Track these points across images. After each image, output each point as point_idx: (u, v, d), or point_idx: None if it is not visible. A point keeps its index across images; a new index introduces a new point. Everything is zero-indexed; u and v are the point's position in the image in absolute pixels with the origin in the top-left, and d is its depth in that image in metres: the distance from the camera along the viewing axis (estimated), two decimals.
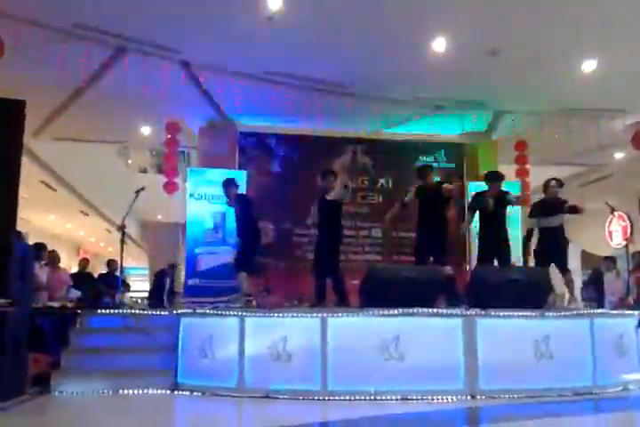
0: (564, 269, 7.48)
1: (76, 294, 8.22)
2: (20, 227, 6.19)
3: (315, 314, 5.62)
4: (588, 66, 8.25)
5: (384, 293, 5.87)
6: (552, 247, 7.45)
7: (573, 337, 5.78)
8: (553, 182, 7.65)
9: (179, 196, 10.15)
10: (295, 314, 5.70)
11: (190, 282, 9.14)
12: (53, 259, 8.32)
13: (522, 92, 9.23)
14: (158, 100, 8.85)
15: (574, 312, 6.16)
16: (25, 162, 11.37)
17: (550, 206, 7.54)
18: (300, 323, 5.62)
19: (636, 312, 6.45)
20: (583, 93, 9.04)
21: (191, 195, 9.43)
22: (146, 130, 10.71)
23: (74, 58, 7.50)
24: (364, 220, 10.26)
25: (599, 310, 6.80)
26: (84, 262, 10.57)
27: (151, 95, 8.44)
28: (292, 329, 5.59)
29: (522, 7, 6.91)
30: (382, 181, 10.73)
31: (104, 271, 10.34)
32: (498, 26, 7.34)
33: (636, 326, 6.24)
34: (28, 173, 12.62)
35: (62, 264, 9.24)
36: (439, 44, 7.71)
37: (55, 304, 7.10)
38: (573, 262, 11.61)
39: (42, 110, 9.48)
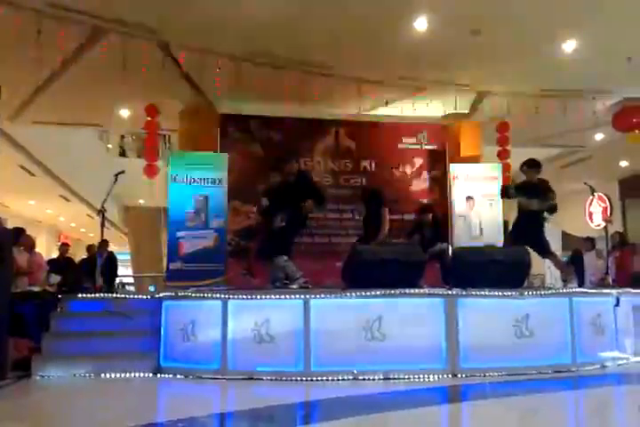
0: (547, 253, 7.45)
1: (55, 278, 8.16)
2: None
3: (297, 296, 5.63)
4: (570, 46, 8.25)
5: (366, 274, 5.90)
6: (529, 231, 7.34)
7: (553, 316, 5.86)
8: (525, 167, 7.51)
9: (160, 180, 10.07)
10: (278, 296, 5.71)
11: (173, 266, 9.09)
12: (30, 243, 8.23)
13: (504, 74, 9.22)
14: (138, 82, 8.72)
15: (553, 291, 6.24)
16: (2, 146, 11.26)
17: (531, 189, 7.42)
18: (283, 305, 5.63)
19: (615, 291, 6.54)
20: (565, 74, 9.06)
21: (172, 178, 9.34)
22: (125, 113, 10.56)
23: (50, 39, 7.34)
24: (347, 203, 10.25)
25: (578, 289, 6.88)
26: (64, 248, 10.48)
27: (131, 77, 8.32)
28: (275, 311, 5.60)
29: None
30: (365, 163, 10.71)
31: (84, 256, 10.26)
32: (480, 5, 7.30)
33: (614, 305, 6.33)
34: (6, 157, 12.48)
35: (43, 250, 9.15)
36: (421, 24, 7.66)
37: (36, 289, 7.05)
38: (554, 244, 11.74)
39: (18, 94, 9.31)
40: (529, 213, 7.35)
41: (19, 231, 7.62)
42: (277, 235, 7.09)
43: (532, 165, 7.47)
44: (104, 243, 9.52)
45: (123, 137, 13.51)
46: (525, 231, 7.33)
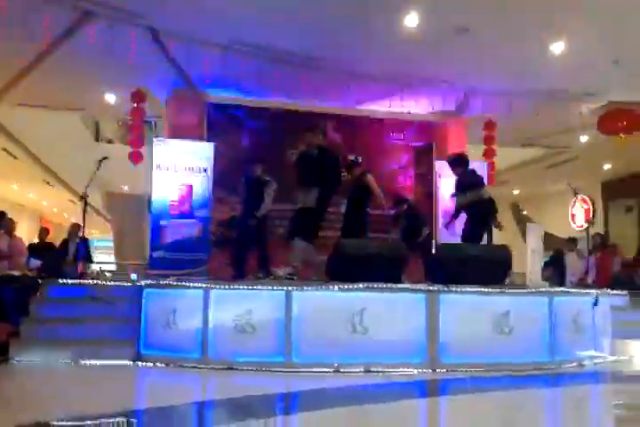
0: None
1: (35, 263, 8.07)
2: None
3: (280, 287, 5.62)
4: (557, 48, 8.30)
5: (350, 267, 5.91)
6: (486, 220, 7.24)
7: (533, 314, 5.90)
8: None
9: (145, 167, 9.98)
10: (261, 287, 5.69)
11: (155, 254, 9.04)
12: (11, 227, 8.13)
13: (492, 72, 9.25)
14: (124, 68, 8.63)
15: (534, 290, 6.30)
16: None
17: (479, 178, 7.34)
18: (266, 296, 5.62)
19: (594, 291, 6.62)
20: (552, 75, 9.11)
21: (157, 166, 9.27)
22: (111, 98, 10.44)
23: (37, 21, 7.23)
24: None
25: (558, 289, 6.96)
26: (44, 232, 10.36)
27: (117, 62, 8.23)
28: (257, 302, 5.59)
29: None
30: (351, 157, 10.68)
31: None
32: (470, 4, 7.31)
33: (593, 305, 6.40)
34: None
35: (24, 234, 9.05)
36: (411, 20, 7.65)
37: (16, 273, 6.97)
38: (536, 243, 11.83)
39: (3, 75, 9.17)
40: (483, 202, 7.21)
41: None
42: (306, 214, 6.84)
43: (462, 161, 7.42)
44: (75, 227, 9.42)
45: (108, 122, 13.37)
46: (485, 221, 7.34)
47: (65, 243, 9.51)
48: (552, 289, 6.58)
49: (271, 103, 10.20)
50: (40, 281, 6.43)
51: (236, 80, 9.28)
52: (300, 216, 6.97)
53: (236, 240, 7.94)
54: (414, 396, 4.88)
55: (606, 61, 8.56)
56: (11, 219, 8.16)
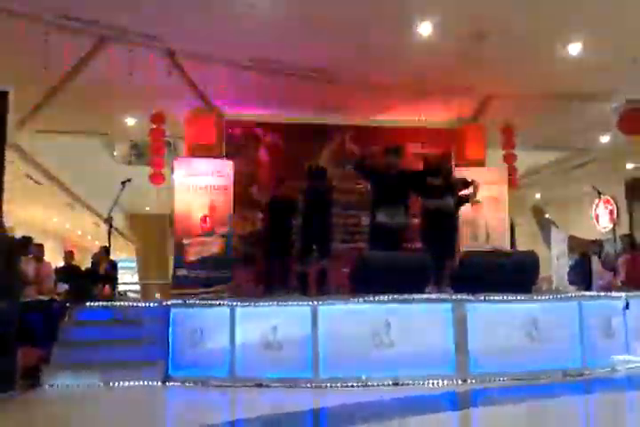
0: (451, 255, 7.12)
1: (63, 287, 8.16)
2: (5, 221, 6.13)
3: (305, 302, 5.62)
4: (574, 49, 8.23)
5: (374, 280, 5.88)
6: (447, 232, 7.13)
7: (562, 320, 5.83)
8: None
9: (166, 187, 10.07)
10: (286, 303, 5.70)
11: (179, 272, 9.09)
12: (39, 252, 8.23)
13: (508, 77, 9.19)
14: (143, 90, 8.74)
15: (563, 295, 6.21)
16: (9, 154, 11.27)
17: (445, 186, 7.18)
18: (291, 311, 5.62)
19: (623, 294, 6.50)
20: (570, 77, 9.02)
21: (178, 185, 9.35)
22: (131, 121, 10.59)
23: (57, 48, 7.38)
24: (352, 208, 10.23)
25: (587, 293, 6.86)
26: (70, 255, 10.48)
27: (136, 85, 8.33)
28: (283, 318, 5.59)
29: None
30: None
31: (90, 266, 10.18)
32: (484, 9, 7.30)
33: (624, 308, 6.29)
34: (12, 165, 12.49)
35: (49, 258, 9.15)
36: (425, 29, 7.65)
37: (44, 298, 7.04)
38: (560, 247, 11.69)
39: (25, 102, 9.34)
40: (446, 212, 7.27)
41: (27, 240, 7.62)
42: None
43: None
44: (103, 250, 9.49)
45: (128, 145, 13.52)
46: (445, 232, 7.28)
47: (94, 266, 9.60)
48: (581, 294, 6.49)
49: (288, 118, 10.24)
50: (68, 305, 6.49)
51: (253, 97, 9.34)
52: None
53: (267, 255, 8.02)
54: (446, 408, 4.83)
55: (625, 59, 8.46)
56: (39, 244, 8.27)
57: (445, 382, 5.37)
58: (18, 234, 9.10)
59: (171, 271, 9.69)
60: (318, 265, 7.40)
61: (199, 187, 9.34)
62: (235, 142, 10.27)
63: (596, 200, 14.48)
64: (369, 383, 5.31)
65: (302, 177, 8.16)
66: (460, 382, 5.40)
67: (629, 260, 9.82)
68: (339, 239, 10.13)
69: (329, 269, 7.46)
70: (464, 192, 7.44)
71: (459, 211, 7.59)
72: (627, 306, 6.28)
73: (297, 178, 8.61)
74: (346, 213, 10.27)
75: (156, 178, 9.72)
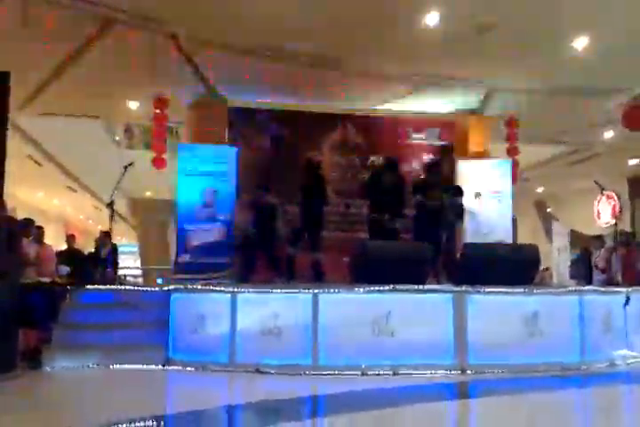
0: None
1: (65, 270, 8.15)
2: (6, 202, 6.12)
3: (307, 290, 5.63)
4: (580, 43, 8.19)
5: (375, 269, 5.88)
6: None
7: (562, 314, 5.84)
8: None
9: (168, 172, 10.04)
10: (287, 290, 5.70)
11: (180, 259, 9.09)
12: (40, 234, 8.22)
13: (513, 70, 9.15)
14: (146, 75, 8.69)
15: (563, 289, 6.22)
16: (10, 136, 11.23)
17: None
18: (292, 299, 5.63)
19: (624, 289, 6.51)
20: (574, 71, 8.99)
21: (181, 171, 9.33)
22: (134, 105, 10.54)
23: (60, 29, 7.33)
24: (354, 197, 10.21)
25: (588, 288, 6.86)
26: (71, 239, 10.46)
27: (139, 69, 8.28)
28: (284, 305, 5.60)
29: None
30: (373, 158, 10.66)
31: (92, 250, 10.17)
32: (492, 1, 7.25)
33: (624, 304, 6.30)
34: (14, 147, 12.45)
35: (50, 241, 9.14)
36: (432, 19, 7.60)
37: (45, 280, 7.04)
38: (562, 241, 11.71)
39: (27, 83, 9.29)
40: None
41: (28, 222, 7.60)
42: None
43: None
44: (106, 234, 9.48)
45: (130, 129, 13.47)
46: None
47: (97, 250, 9.59)
48: (582, 288, 6.49)
49: (292, 106, 10.20)
50: (69, 288, 6.50)
51: (257, 84, 9.30)
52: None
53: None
54: (444, 398, 4.85)
55: (631, 55, 8.41)
56: (39, 226, 8.24)
57: (444, 372, 5.40)
58: (19, 216, 9.10)
59: (172, 257, 9.68)
60: (312, 257, 7.54)
61: (202, 172, 9.31)
62: (238, 129, 10.22)
63: (599, 196, 14.47)
64: (368, 372, 5.33)
65: (301, 167, 8.30)
66: (458, 372, 5.42)
67: (626, 255, 9.81)
68: (339, 228, 10.15)
69: (327, 259, 7.65)
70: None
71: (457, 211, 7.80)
72: (627, 301, 6.29)
73: (296, 168, 8.67)
74: (346, 201, 10.26)
75: (159, 163, 9.68)
